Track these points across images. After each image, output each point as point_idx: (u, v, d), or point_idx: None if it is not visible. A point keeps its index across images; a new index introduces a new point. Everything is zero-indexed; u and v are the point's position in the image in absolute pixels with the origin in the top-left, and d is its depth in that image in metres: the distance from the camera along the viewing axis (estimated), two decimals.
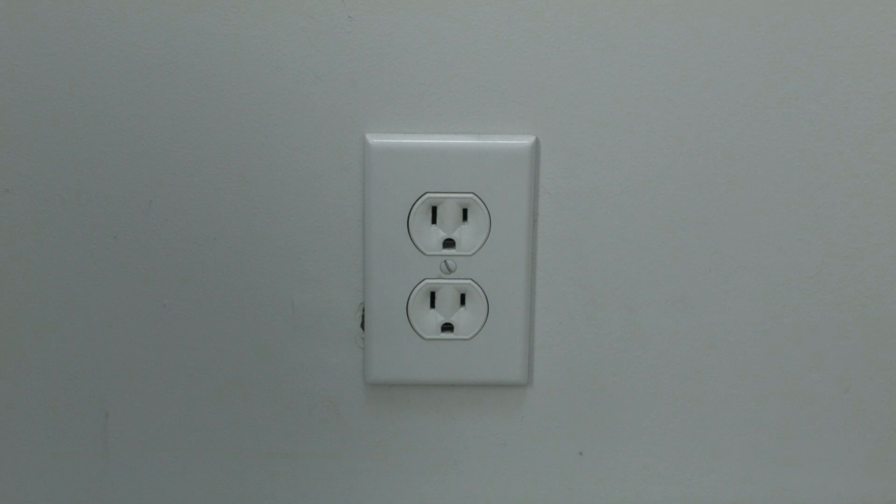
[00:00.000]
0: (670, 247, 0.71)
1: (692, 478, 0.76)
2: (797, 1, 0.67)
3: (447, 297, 0.71)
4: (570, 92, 0.69)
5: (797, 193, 0.70)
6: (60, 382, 0.74)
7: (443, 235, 0.70)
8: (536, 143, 0.69)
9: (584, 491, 0.76)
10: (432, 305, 0.71)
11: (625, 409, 0.74)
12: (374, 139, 0.69)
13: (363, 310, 0.72)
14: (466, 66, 0.68)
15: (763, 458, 0.75)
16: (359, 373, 0.73)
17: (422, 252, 0.70)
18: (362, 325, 0.72)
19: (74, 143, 0.69)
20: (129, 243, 0.71)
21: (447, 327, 0.72)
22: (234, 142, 0.69)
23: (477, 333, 0.71)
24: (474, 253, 0.70)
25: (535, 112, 0.69)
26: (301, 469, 0.75)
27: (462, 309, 0.72)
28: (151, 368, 0.73)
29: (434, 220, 0.70)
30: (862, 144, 0.69)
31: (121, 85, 0.68)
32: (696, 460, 0.75)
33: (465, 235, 0.70)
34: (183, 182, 0.70)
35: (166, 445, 0.75)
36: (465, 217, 0.70)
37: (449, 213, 0.70)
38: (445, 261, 0.70)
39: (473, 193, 0.69)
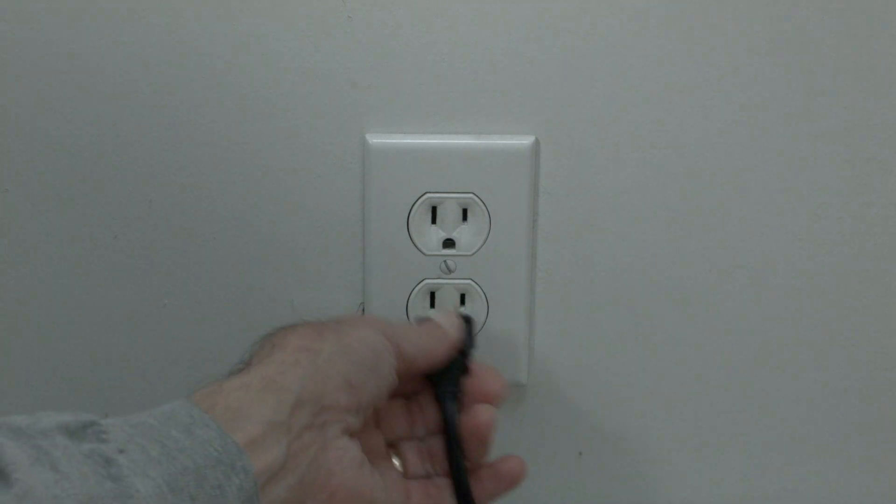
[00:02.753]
0: (670, 247, 0.71)
1: (692, 478, 0.76)
2: (797, 1, 0.67)
3: (447, 298, 0.71)
4: (570, 92, 0.69)
5: (797, 193, 0.70)
6: (60, 382, 0.74)
7: (443, 235, 0.70)
8: (536, 143, 0.69)
9: (584, 491, 0.76)
10: (432, 305, 0.71)
11: (625, 409, 0.74)
12: (374, 139, 0.69)
13: (363, 310, 0.72)
14: (466, 66, 0.68)
15: (763, 458, 0.75)
16: None
17: (422, 252, 0.70)
18: None
19: (74, 143, 0.70)
20: (129, 243, 0.71)
21: None
22: (234, 142, 0.69)
23: (477, 333, 0.71)
24: (474, 253, 0.70)
25: (535, 112, 0.69)
26: None
27: (462, 309, 0.71)
28: (151, 368, 0.73)
29: (434, 221, 0.70)
30: (862, 144, 0.69)
31: (121, 85, 0.68)
32: (695, 460, 0.75)
33: (465, 235, 0.70)
34: (183, 182, 0.70)
35: None
36: (464, 217, 0.70)
37: (449, 213, 0.70)
38: (445, 261, 0.70)
39: (473, 193, 0.69)
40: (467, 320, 0.66)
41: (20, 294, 0.72)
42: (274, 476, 0.53)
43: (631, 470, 0.76)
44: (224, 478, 0.50)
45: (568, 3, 0.67)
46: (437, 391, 0.63)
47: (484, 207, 0.69)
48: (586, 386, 0.74)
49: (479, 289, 0.71)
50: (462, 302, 0.71)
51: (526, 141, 0.69)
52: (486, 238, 0.70)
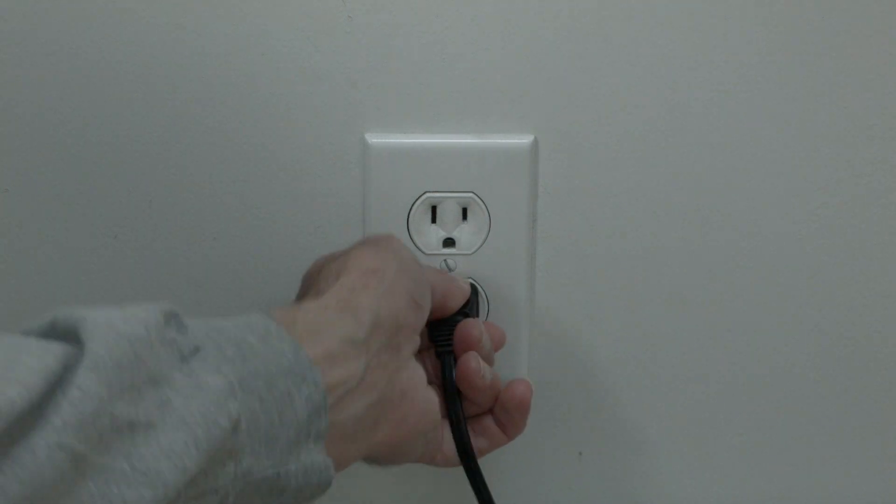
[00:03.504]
0: (670, 246, 0.71)
1: (692, 478, 0.76)
2: (797, 1, 0.67)
3: None
4: (570, 92, 0.69)
5: (797, 193, 0.70)
6: None
7: (442, 235, 0.70)
8: (536, 142, 0.69)
9: (584, 491, 0.76)
10: None
11: (625, 409, 0.74)
12: (374, 139, 0.69)
13: None
14: (466, 66, 0.68)
15: (763, 458, 0.75)
16: None
17: (422, 251, 0.70)
18: None
19: (74, 143, 0.70)
20: (129, 243, 0.71)
21: None
22: (234, 142, 0.69)
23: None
24: (474, 252, 0.70)
25: (534, 112, 0.69)
26: None
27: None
28: None
29: (434, 220, 0.70)
30: (862, 144, 0.69)
31: (121, 85, 0.68)
32: (695, 460, 0.75)
33: (465, 235, 0.70)
34: (183, 182, 0.70)
35: None
36: (464, 216, 0.70)
37: (448, 212, 0.70)
38: (445, 260, 0.70)
39: (473, 193, 0.69)
40: (473, 290, 0.68)
41: (20, 294, 0.72)
42: (351, 391, 0.54)
43: (631, 470, 0.75)
44: (294, 387, 0.50)
45: (568, 4, 0.67)
46: (436, 348, 0.65)
47: (484, 207, 0.69)
48: (586, 386, 0.74)
49: (479, 288, 0.70)
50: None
51: (525, 140, 0.69)
52: (486, 237, 0.70)
